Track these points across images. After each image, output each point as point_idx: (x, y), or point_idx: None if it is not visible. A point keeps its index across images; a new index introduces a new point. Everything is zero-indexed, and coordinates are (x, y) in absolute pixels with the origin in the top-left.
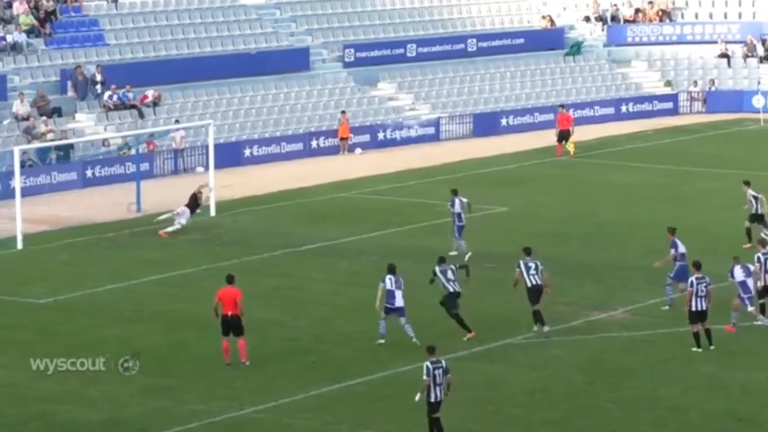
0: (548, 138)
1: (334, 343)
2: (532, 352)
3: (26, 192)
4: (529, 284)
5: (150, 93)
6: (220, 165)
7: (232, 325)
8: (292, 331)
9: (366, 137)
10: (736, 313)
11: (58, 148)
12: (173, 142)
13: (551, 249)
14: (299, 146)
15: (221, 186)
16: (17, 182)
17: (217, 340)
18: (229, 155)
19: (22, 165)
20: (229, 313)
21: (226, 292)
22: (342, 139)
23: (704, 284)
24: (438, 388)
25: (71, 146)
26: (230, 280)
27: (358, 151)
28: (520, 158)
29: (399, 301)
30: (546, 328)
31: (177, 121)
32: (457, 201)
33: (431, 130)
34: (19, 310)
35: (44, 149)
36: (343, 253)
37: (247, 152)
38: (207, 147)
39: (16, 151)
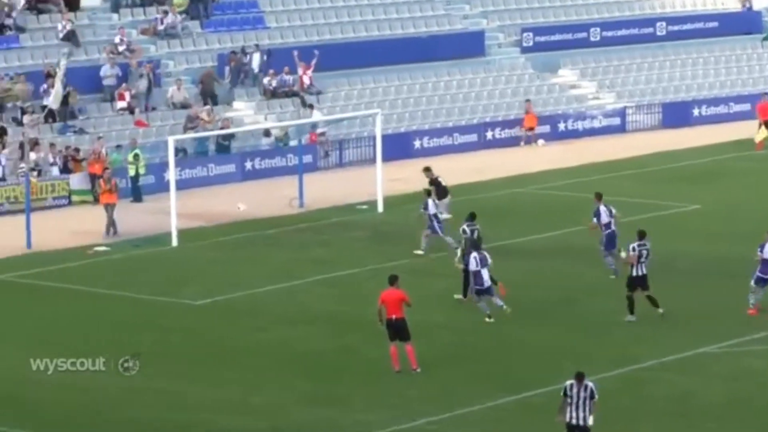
0: (745, 129)
1: (506, 349)
2: (726, 361)
3: (181, 185)
4: (635, 273)
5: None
6: (388, 157)
7: (398, 329)
8: (462, 336)
9: (546, 128)
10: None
11: (219, 138)
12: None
13: (749, 250)
14: (473, 137)
15: (389, 180)
16: (172, 174)
17: (385, 344)
18: (398, 147)
19: (177, 155)
20: (394, 316)
21: (389, 294)
22: (528, 129)
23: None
24: (580, 410)
25: (232, 136)
26: (393, 281)
27: (541, 142)
28: (714, 151)
29: (487, 281)
30: (660, 310)
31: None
32: (604, 209)
33: (616, 121)
34: (175, 311)
35: (202, 139)
36: (518, 253)
37: (417, 144)
38: (374, 138)
39: (171, 141)
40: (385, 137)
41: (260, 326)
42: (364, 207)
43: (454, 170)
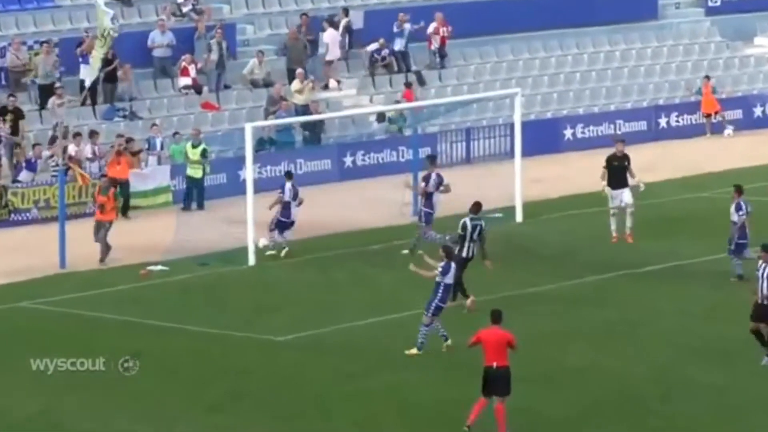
0: None
1: (683, 399)
2: None
3: (261, 186)
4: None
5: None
6: (529, 151)
7: (498, 381)
8: (627, 381)
9: (736, 113)
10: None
11: (304, 126)
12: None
13: None
14: (641, 125)
15: (530, 181)
16: (249, 173)
17: (520, 398)
18: (542, 137)
19: (258, 149)
20: (495, 363)
21: (490, 334)
22: (707, 115)
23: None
24: None
25: (322, 124)
26: (496, 318)
27: (728, 131)
28: None
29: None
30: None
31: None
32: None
33: None
34: (253, 349)
35: (287, 128)
36: (700, 276)
37: (567, 133)
38: (511, 126)
39: (249, 129)
40: (525, 125)
41: (360, 370)
42: (498, 216)
43: None
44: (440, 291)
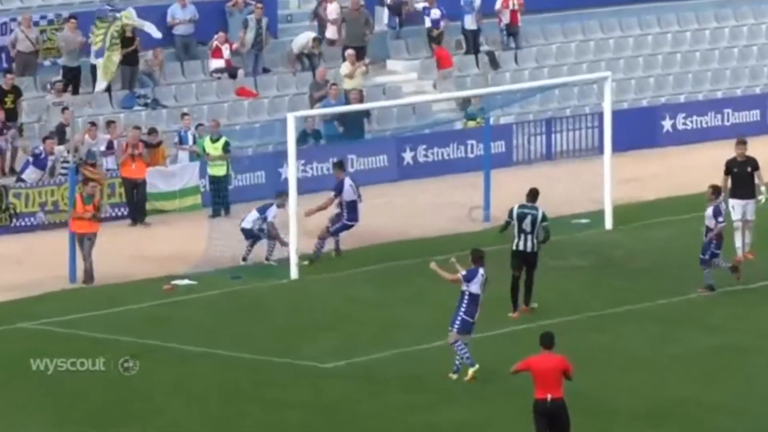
0: None
1: None
2: None
3: (305, 187)
4: None
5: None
6: (622, 146)
7: (554, 416)
8: (737, 418)
9: None
10: None
11: (341, 118)
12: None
13: None
14: (754, 115)
15: (623, 180)
16: (291, 171)
17: None
18: (637, 129)
19: (301, 141)
20: (549, 396)
21: (541, 361)
22: None
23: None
24: None
25: (366, 114)
26: (548, 342)
27: None
28: None
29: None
30: None
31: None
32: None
33: None
34: (294, 378)
35: (330, 119)
36: None
37: (666, 125)
38: (600, 116)
39: (291, 120)
40: (617, 114)
41: (423, 403)
42: (584, 222)
43: (720, 166)
44: (465, 302)
